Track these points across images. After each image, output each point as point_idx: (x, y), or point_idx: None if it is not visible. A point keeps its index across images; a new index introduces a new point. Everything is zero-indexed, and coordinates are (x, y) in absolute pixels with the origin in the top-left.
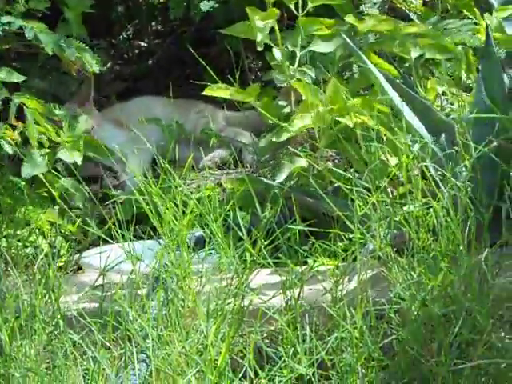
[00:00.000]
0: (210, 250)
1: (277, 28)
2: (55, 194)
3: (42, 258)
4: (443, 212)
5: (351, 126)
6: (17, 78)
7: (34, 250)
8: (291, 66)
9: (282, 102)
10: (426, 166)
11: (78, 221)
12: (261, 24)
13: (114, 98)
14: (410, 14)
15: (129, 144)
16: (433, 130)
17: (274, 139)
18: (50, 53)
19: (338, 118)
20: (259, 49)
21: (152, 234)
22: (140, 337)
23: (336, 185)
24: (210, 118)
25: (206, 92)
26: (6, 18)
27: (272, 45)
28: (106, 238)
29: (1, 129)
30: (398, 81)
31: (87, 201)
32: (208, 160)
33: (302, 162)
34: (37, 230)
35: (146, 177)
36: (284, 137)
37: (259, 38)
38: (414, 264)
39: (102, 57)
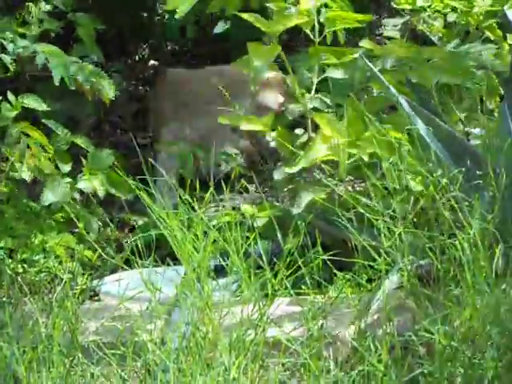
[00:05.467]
0: (234, 281)
1: (285, 58)
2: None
3: (59, 285)
4: (470, 243)
5: (366, 159)
6: (40, 106)
7: (49, 276)
8: (307, 94)
9: (297, 131)
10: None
11: (98, 248)
12: (258, 62)
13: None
14: (431, 37)
15: None
16: (457, 157)
17: (287, 170)
18: (57, 83)
19: (352, 151)
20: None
21: (169, 261)
22: (160, 369)
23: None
24: None
25: (221, 120)
26: (21, 42)
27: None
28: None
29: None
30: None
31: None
32: None
33: (321, 192)
34: (53, 256)
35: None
36: (297, 168)
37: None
38: (439, 296)
39: (116, 78)
